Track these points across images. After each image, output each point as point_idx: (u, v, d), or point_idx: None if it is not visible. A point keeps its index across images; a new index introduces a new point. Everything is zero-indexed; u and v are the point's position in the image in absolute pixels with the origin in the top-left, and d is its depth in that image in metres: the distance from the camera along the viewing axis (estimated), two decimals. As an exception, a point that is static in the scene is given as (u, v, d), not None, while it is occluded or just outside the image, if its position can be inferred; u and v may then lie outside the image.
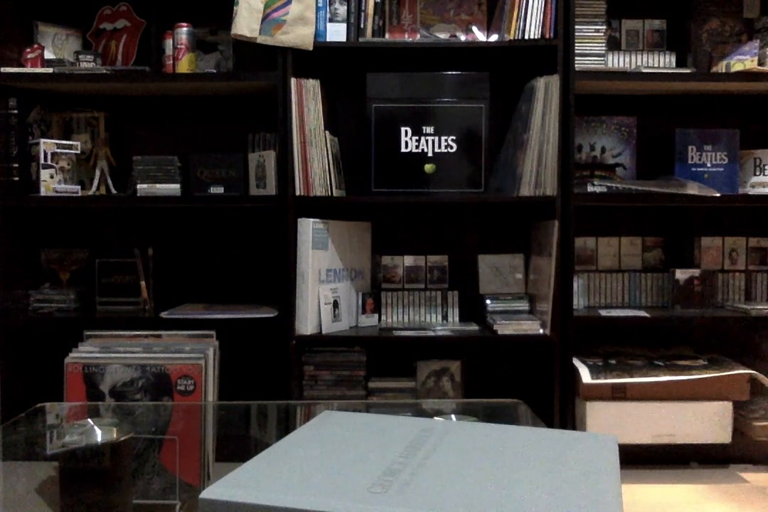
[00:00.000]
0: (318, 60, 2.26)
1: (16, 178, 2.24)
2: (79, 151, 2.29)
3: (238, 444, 1.05)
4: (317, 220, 2.19)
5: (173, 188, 2.27)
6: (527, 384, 2.49)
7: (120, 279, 2.41)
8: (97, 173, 2.36)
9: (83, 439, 0.71)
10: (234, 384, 2.23)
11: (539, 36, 2.16)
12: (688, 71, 2.28)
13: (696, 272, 2.39)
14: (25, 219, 2.35)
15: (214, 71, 2.35)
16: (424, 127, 2.22)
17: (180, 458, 0.94)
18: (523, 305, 2.35)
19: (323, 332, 2.20)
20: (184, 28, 2.25)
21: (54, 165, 2.22)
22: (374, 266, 2.48)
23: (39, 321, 2.30)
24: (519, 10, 2.16)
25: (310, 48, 2.17)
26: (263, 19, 2.15)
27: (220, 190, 2.30)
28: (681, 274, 2.39)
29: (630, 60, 2.39)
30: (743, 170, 2.39)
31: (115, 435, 0.72)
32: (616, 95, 2.44)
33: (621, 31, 2.42)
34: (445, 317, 2.43)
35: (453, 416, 0.95)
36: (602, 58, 2.29)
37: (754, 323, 2.38)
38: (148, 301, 2.37)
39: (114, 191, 2.37)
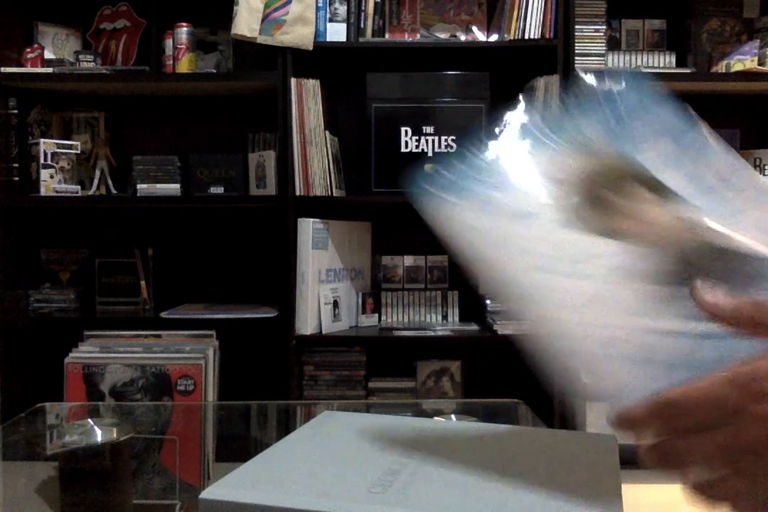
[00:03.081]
0: (318, 60, 2.26)
1: (16, 178, 2.24)
2: (79, 151, 2.29)
3: (238, 444, 1.05)
4: (317, 220, 2.19)
5: (173, 188, 2.27)
6: (527, 384, 2.49)
7: (120, 280, 2.41)
8: (97, 173, 2.36)
9: (83, 439, 0.71)
10: (234, 384, 2.23)
11: (539, 36, 2.16)
12: (688, 71, 2.28)
13: (696, 272, 2.39)
14: (25, 219, 2.35)
15: (214, 71, 2.35)
16: (424, 127, 2.22)
17: (180, 458, 0.94)
18: (523, 305, 2.35)
19: (323, 332, 2.20)
20: (184, 28, 2.25)
21: (54, 165, 2.22)
22: (374, 266, 2.48)
23: (39, 321, 2.30)
24: (519, 10, 2.16)
25: (310, 48, 2.17)
26: (263, 19, 2.15)
27: (220, 190, 2.30)
28: (681, 274, 2.39)
29: (630, 60, 2.39)
30: (743, 170, 2.39)
31: (115, 435, 0.72)
32: (616, 95, 2.44)
33: (621, 31, 2.42)
34: (445, 317, 2.43)
35: (453, 416, 0.95)
36: (602, 58, 2.29)
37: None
38: (148, 301, 2.37)
39: (114, 191, 2.37)
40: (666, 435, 0.42)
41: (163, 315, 2.20)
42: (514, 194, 0.51)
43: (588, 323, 0.46)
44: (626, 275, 0.46)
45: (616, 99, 0.51)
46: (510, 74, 2.39)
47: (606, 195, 0.48)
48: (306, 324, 2.17)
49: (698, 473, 0.41)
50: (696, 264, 0.46)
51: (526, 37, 2.16)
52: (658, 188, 0.48)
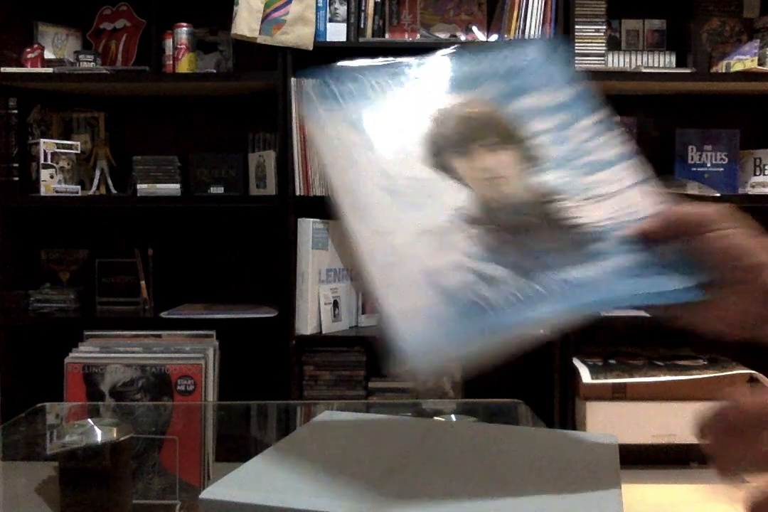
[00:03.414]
0: (318, 60, 2.26)
1: (16, 178, 2.24)
2: (79, 151, 2.29)
3: (238, 444, 1.05)
4: (317, 220, 2.19)
5: (173, 188, 2.27)
6: (527, 384, 2.49)
7: (120, 279, 2.41)
8: (97, 173, 2.36)
9: (83, 439, 0.71)
10: (234, 384, 2.23)
11: (539, 36, 2.16)
12: (688, 71, 2.28)
13: (696, 272, 2.38)
14: (25, 219, 2.35)
15: (214, 71, 2.35)
16: (424, 127, 2.22)
17: (180, 458, 0.94)
18: (523, 305, 2.34)
19: (323, 332, 2.20)
20: (184, 28, 2.25)
21: (54, 165, 2.22)
22: (374, 266, 2.47)
23: (39, 321, 2.30)
24: (519, 9, 2.16)
25: (310, 48, 2.17)
26: (263, 19, 2.15)
27: (220, 190, 2.30)
28: (681, 274, 2.38)
29: (630, 60, 2.39)
30: (743, 170, 2.39)
31: (115, 435, 0.72)
32: (616, 95, 2.44)
33: (621, 31, 2.42)
34: (445, 317, 2.43)
35: (453, 416, 0.95)
36: (602, 58, 2.29)
37: (754, 323, 2.37)
38: (148, 301, 2.37)
39: (114, 191, 2.37)
40: (721, 443, 0.43)
41: (163, 315, 2.20)
42: (390, 131, 0.53)
43: (415, 251, 0.48)
44: (466, 219, 0.49)
45: (523, 64, 0.56)
46: (510, 74, 2.39)
47: (469, 144, 0.51)
48: (306, 324, 2.17)
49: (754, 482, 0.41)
50: (530, 227, 0.49)
51: (526, 37, 2.16)
52: (524, 149, 0.52)
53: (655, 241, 0.51)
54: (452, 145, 0.51)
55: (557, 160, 0.52)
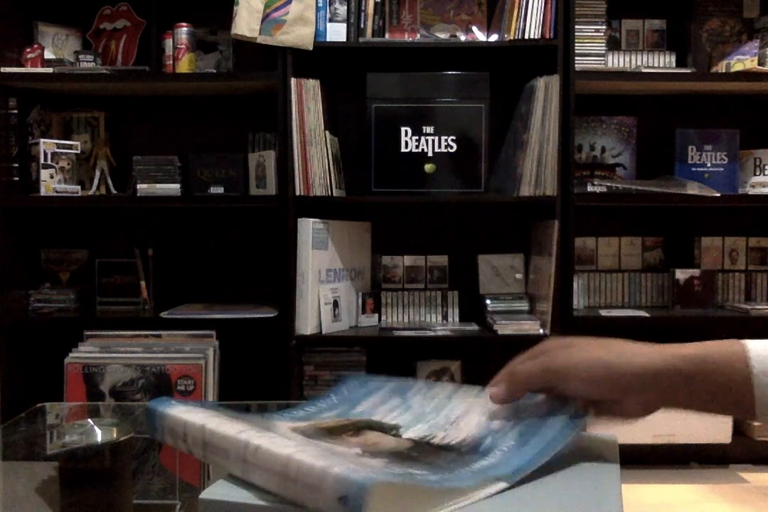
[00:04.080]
0: (318, 60, 2.26)
1: (16, 178, 2.24)
2: (79, 151, 2.29)
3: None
4: (317, 220, 2.19)
5: (173, 188, 2.27)
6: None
7: (120, 279, 2.41)
8: (97, 173, 2.36)
9: (83, 439, 0.71)
10: (234, 384, 2.23)
11: (539, 36, 2.16)
12: (688, 71, 2.28)
13: (696, 272, 2.39)
14: (25, 219, 2.35)
15: (214, 71, 2.35)
16: (424, 127, 2.22)
17: (180, 458, 0.94)
18: (523, 305, 2.35)
19: (323, 332, 2.20)
20: (184, 28, 2.25)
21: (54, 165, 2.22)
22: (374, 266, 2.48)
23: (39, 321, 2.30)
24: (519, 10, 2.16)
25: (310, 48, 2.17)
26: (263, 19, 2.15)
27: (220, 190, 2.30)
28: (681, 274, 2.39)
29: (630, 60, 2.38)
30: (743, 170, 2.39)
31: (115, 435, 0.72)
32: (616, 95, 2.44)
33: (621, 31, 2.42)
34: (445, 317, 2.43)
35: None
36: (602, 58, 2.29)
37: (754, 323, 2.38)
38: (148, 301, 2.37)
39: (114, 191, 2.37)
40: None
41: (163, 315, 2.20)
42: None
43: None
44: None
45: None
46: (510, 74, 2.39)
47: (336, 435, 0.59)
48: (306, 324, 2.17)
49: None
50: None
51: (526, 37, 2.16)
52: (381, 426, 0.63)
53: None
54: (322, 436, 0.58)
55: (413, 419, 0.63)
